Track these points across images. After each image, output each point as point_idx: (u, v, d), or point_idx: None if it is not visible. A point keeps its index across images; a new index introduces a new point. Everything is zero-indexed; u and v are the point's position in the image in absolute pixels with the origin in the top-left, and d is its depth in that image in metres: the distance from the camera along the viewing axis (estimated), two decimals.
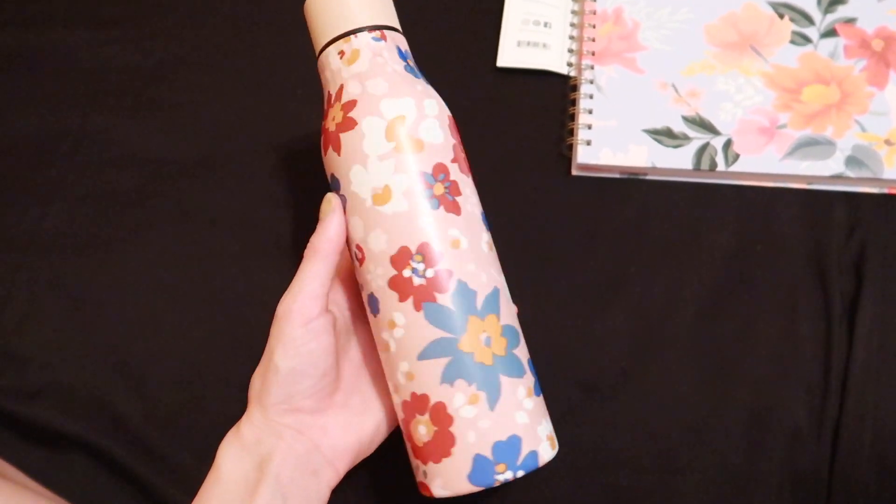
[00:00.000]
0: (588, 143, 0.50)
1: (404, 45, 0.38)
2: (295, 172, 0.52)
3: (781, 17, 0.53)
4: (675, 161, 0.49)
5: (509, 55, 0.54)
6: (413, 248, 0.34)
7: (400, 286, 0.34)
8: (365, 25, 0.36)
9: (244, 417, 0.36)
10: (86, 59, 0.56)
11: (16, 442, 0.44)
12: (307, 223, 0.49)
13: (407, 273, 0.34)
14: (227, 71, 0.56)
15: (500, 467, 0.34)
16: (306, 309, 0.34)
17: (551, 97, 0.53)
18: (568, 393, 0.44)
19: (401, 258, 0.34)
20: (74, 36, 0.57)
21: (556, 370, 0.44)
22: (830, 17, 0.53)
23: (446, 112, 0.37)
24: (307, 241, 0.51)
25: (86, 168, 0.52)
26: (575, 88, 0.53)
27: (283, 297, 0.35)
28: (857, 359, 0.43)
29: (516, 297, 0.40)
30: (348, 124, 0.35)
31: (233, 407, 0.39)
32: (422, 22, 0.57)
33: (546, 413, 0.37)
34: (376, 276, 0.35)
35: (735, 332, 0.45)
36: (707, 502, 0.42)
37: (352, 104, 0.35)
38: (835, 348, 0.43)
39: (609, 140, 0.50)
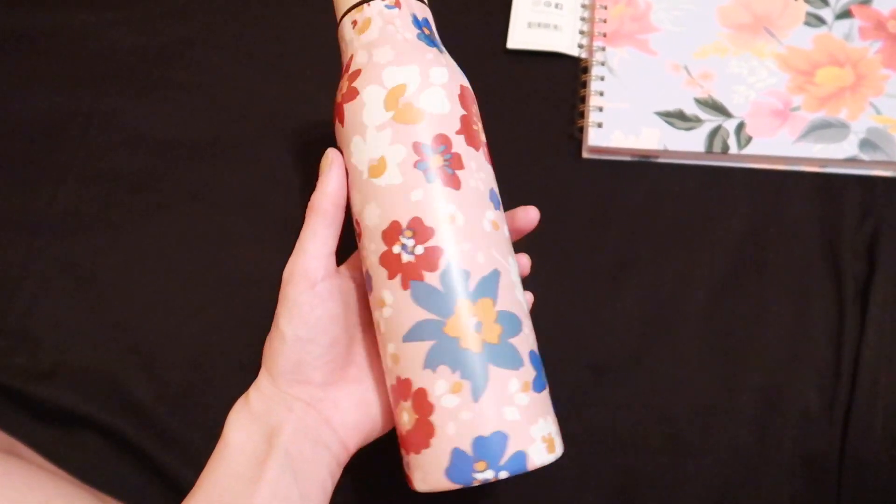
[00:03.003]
0: (599, 125, 0.50)
1: (422, 13, 0.37)
2: (305, 153, 0.51)
3: None
4: (687, 144, 0.49)
5: (520, 37, 0.54)
6: (404, 223, 0.32)
7: (389, 262, 0.33)
8: None
9: (254, 385, 0.35)
10: (94, 41, 0.56)
11: (29, 422, 0.45)
12: None
13: (396, 249, 0.32)
14: (236, 51, 0.55)
15: (480, 465, 0.31)
16: (310, 271, 0.33)
17: (562, 79, 0.53)
18: (579, 375, 0.44)
19: (391, 233, 0.33)
20: (82, 17, 0.57)
21: (566, 352, 0.44)
22: None
23: (459, 82, 0.36)
24: None
25: (96, 149, 0.52)
26: (586, 70, 0.52)
27: (288, 261, 0.34)
28: (870, 342, 0.43)
29: (526, 279, 0.40)
30: (351, 94, 0.34)
31: (242, 387, 0.39)
32: (432, 3, 0.56)
33: (549, 412, 0.33)
34: (370, 252, 0.34)
35: (746, 315, 0.45)
36: (717, 484, 0.42)
37: (356, 74, 0.35)
38: (847, 331, 0.43)
39: (620, 122, 0.49)
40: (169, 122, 0.53)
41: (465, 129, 0.34)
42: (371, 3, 0.35)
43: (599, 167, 0.50)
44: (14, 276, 0.48)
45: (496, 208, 0.35)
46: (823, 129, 0.48)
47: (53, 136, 0.53)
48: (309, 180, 0.51)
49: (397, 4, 0.36)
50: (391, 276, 0.33)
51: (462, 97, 0.35)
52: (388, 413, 0.36)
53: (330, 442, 0.35)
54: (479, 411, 0.31)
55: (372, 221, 0.33)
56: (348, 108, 0.34)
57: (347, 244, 0.37)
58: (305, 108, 0.53)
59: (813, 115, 0.49)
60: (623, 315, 0.45)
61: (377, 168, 0.33)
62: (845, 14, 0.52)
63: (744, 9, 0.53)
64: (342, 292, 0.35)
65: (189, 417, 0.44)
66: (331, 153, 0.35)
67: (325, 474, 0.34)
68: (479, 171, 0.34)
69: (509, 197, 0.50)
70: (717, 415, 0.43)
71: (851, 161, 0.47)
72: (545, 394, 0.34)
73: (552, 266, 0.47)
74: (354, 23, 0.35)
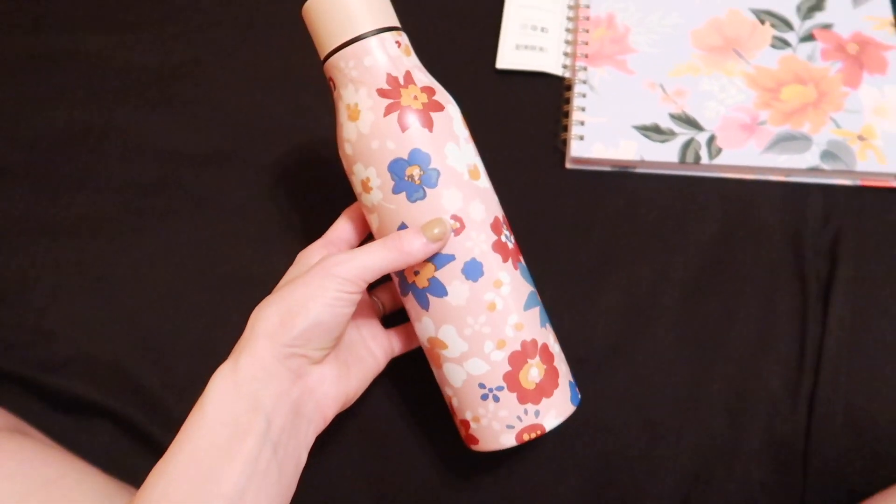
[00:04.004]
0: (581, 138, 0.53)
1: None
2: (305, 163, 0.55)
3: (763, 22, 0.57)
4: (663, 155, 0.52)
5: (508, 58, 0.58)
6: (501, 219, 0.40)
7: (501, 249, 0.39)
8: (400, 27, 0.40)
9: (245, 352, 0.35)
10: (111, 60, 0.60)
11: (43, 410, 0.47)
12: (316, 209, 0.53)
13: (503, 238, 0.39)
14: (242, 69, 0.59)
15: (576, 389, 0.42)
16: (356, 284, 0.37)
17: (547, 96, 0.57)
18: None
19: (497, 226, 0.39)
20: (101, 38, 0.61)
21: None
22: (809, 23, 0.57)
23: None
24: (316, 226, 0.54)
25: (110, 159, 0.56)
26: (569, 88, 0.56)
27: (339, 256, 0.37)
28: (832, 335, 0.46)
29: None
30: (436, 106, 0.39)
31: None
32: (427, 26, 0.61)
33: None
34: (479, 242, 0.38)
35: (718, 310, 0.48)
36: (691, 467, 0.44)
37: (432, 90, 0.39)
38: (810, 326, 0.46)
39: (601, 135, 0.53)
40: (178, 134, 0.57)
41: None
42: (403, 33, 0.40)
43: (582, 177, 0.53)
44: (32, 276, 0.51)
45: None
46: (788, 141, 0.52)
47: (71, 147, 0.56)
48: (308, 186, 0.54)
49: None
50: (505, 260, 0.39)
51: None
52: (358, 388, 0.41)
53: (311, 413, 0.37)
54: (563, 354, 0.42)
55: (479, 216, 0.39)
56: (438, 117, 0.38)
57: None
58: (306, 121, 0.56)
59: (778, 128, 0.53)
60: (604, 311, 0.48)
61: (474, 173, 0.39)
62: (809, 37, 0.56)
63: (715, 32, 0.57)
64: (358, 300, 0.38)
65: (194, 404, 0.46)
66: (448, 226, 0.38)
67: (302, 447, 0.36)
68: None
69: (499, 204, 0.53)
70: (690, 403, 0.45)
71: (814, 170, 0.51)
72: None
73: (539, 267, 0.50)
74: (398, 43, 0.39)
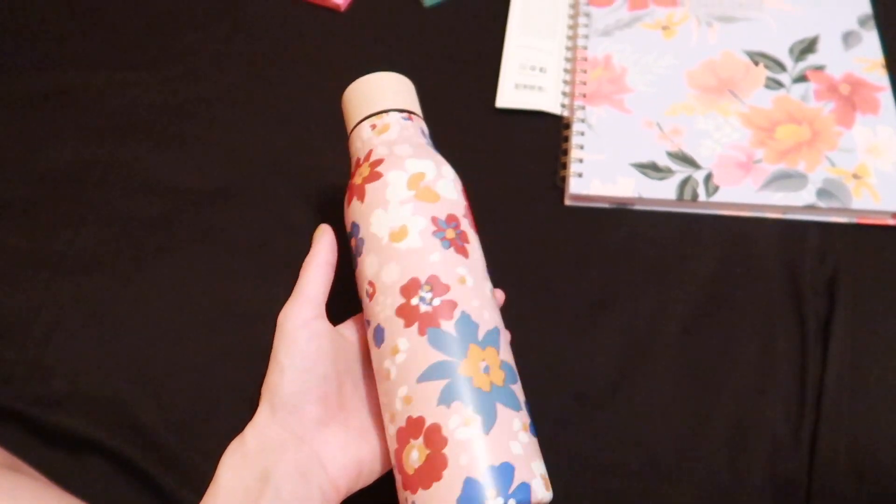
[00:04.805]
0: (580, 175, 0.54)
1: (426, 130, 0.44)
2: (307, 200, 0.56)
3: (756, 64, 0.58)
4: (660, 192, 0.53)
5: (508, 97, 0.59)
6: (423, 279, 0.36)
7: (406, 313, 0.36)
8: (395, 108, 0.43)
9: (250, 424, 0.37)
10: (116, 98, 0.61)
11: (39, 446, 0.47)
12: None
13: (415, 301, 0.36)
14: (246, 108, 0.60)
15: (491, 492, 0.32)
16: (304, 311, 0.37)
17: (546, 135, 0.58)
18: (562, 403, 0.47)
19: (411, 287, 0.36)
20: (107, 76, 0.62)
21: (551, 382, 0.47)
22: (802, 65, 0.58)
23: (459, 182, 0.42)
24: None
25: (114, 195, 0.56)
26: (568, 126, 0.57)
27: (284, 305, 0.38)
28: (831, 374, 0.46)
29: (514, 316, 0.43)
30: (374, 177, 0.40)
31: (245, 414, 0.41)
32: (428, 67, 0.62)
33: (540, 456, 0.36)
34: (385, 307, 0.37)
35: (717, 347, 0.48)
36: None
37: (379, 161, 0.40)
38: (810, 364, 0.46)
39: (599, 172, 0.54)
40: (182, 170, 0.57)
41: (468, 215, 0.41)
42: (389, 113, 0.42)
43: (580, 213, 0.54)
44: (33, 310, 0.51)
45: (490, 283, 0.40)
46: (784, 179, 0.53)
47: (75, 183, 0.57)
48: (310, 224, 0.54)
49: (410, 118, 0.43)
50: (408, 325, 0.36)
51: (463, 193, 0.42)
52: (377, 462, 0.38)
53: (321, 481, 0.36)
54: (490, 444, 0.34)
55: (390, 279, 0.37)
56: (371, 188, 0.40)
57: (340, 312, 0.42)
58: (308, 160, 0.57)
59: (774, 166, 0.53)
60: (603, 348, 0.48)
61: (398, 234, 0.38)
62: (801, 78, 0.57)
63: (710, 73, 0.58)
64: (333, 339, 0.38)
65: (193, 443, 0.46)
66: (322, 227, 0.41)
67: None
68: (479, 251, 0.40)
69: (499, 242, 0.54)
70: (690, 440, 0.45)
71: (810, 208, 0.52)
72: (536, 440, 0.37)
73: (538, 303, 0.50)
74: (374, 126, 0.42)
